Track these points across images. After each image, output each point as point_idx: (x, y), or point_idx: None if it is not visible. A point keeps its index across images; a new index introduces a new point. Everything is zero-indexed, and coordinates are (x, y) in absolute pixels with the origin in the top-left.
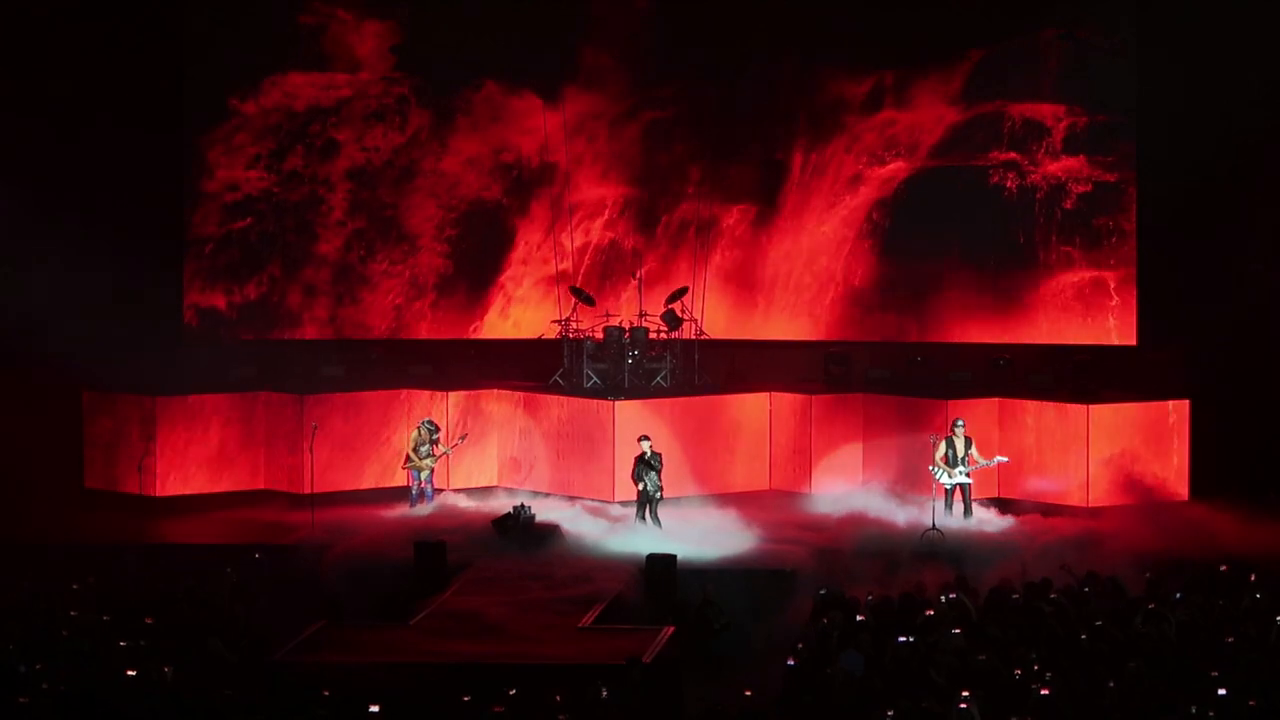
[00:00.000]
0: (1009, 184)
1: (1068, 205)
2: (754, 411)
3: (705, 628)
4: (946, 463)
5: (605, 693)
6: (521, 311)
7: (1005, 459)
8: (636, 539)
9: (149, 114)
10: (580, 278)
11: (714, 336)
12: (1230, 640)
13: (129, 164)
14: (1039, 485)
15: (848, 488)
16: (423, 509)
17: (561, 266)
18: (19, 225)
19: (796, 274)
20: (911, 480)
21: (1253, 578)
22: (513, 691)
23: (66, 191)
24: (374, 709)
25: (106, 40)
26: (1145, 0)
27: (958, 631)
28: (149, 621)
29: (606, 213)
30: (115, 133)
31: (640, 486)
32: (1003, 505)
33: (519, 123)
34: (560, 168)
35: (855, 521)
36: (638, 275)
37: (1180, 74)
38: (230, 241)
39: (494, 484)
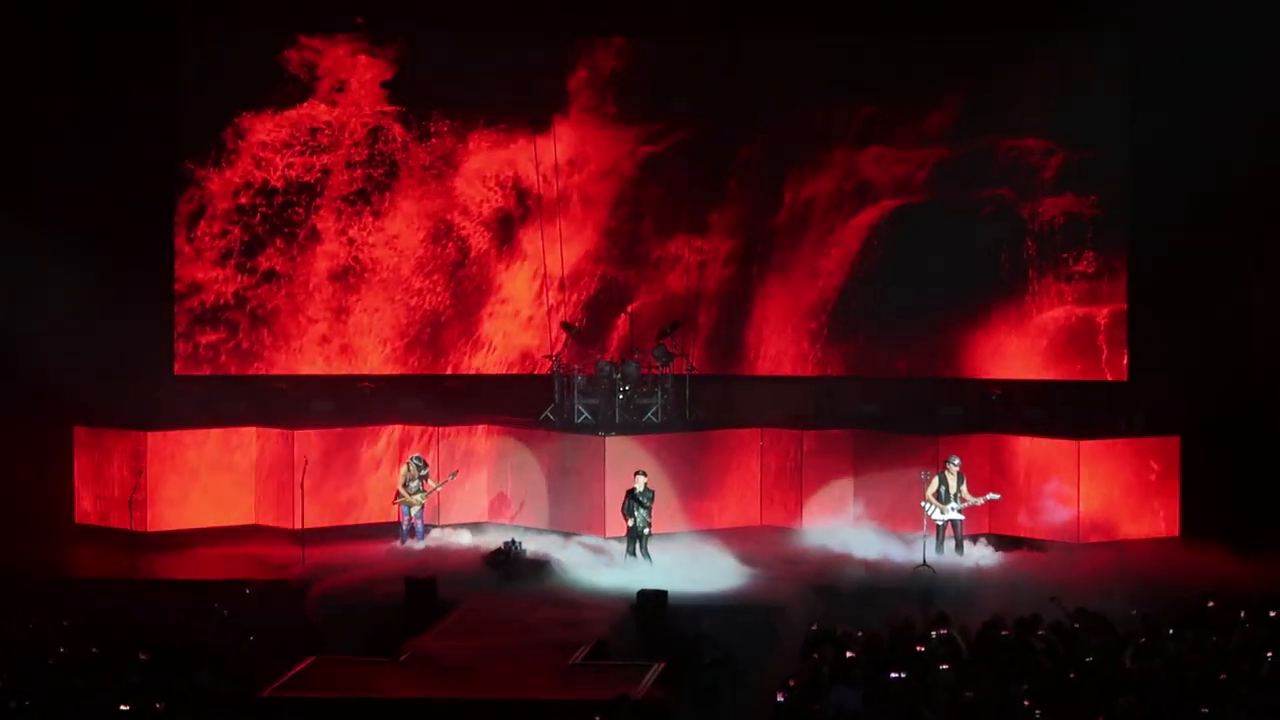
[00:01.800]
0: (999, 219)
1: (1058, 241)
2: (745, 447)
3: (697, 663)
4: (938, 498)
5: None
6: (508, 345)
7: (997, 496)
8: (628, 575)
9: (132, 152)
10: (570, 313)
11: (705, 371)
12: (1221, 676)
13: (116, 194)
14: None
15: (838, 523)
16: (413, 544)
17: (551, 302)
18: (7, 258)
19: (787, 309)
20: (902, 516)
21: (1242, 614)
22: None
23: (57, 224)
24: None
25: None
26: (1136, 37)
27: (946, 668)
28: (143, 657)
29: (597, 248)
30: (101, 157)
31: (630, 522)
32: (995, 541)
33: (511, 155)
34: (550, 199)
35: (845, 557)
36: (629, 311)
37: (1171, 110)
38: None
39: (484, 520)
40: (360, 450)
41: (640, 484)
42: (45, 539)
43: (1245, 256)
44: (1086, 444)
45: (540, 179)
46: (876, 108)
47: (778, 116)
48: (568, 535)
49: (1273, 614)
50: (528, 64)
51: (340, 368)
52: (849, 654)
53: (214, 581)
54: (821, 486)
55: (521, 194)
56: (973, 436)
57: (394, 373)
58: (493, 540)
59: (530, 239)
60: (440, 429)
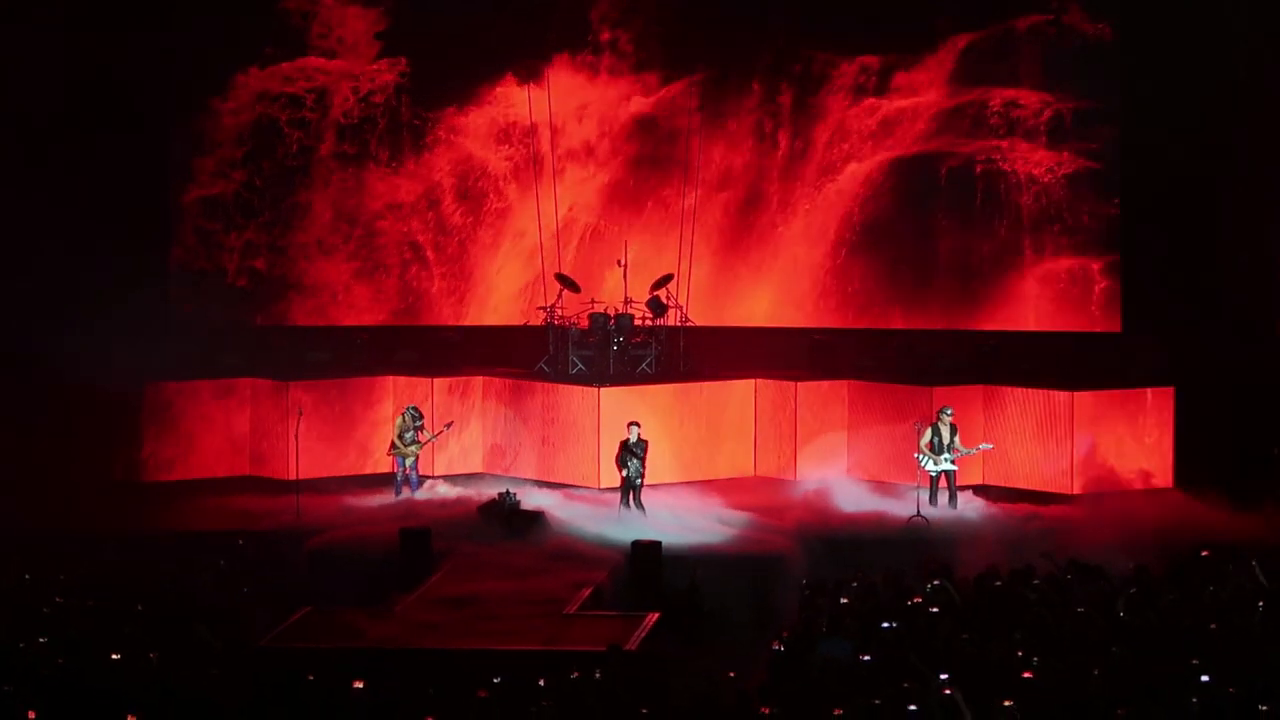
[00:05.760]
0: (994, 171)
1: (1052, 192)
2: (739, 398)
3: (691, 613)
4: (932, 449)
5: (599, 673)
6: (503, 296)
7: (990, 445)
8: (622, 525)
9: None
10: (565, 264)
11: (699, 323)
12: (1213, 626)
13: (112, 154)
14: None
15: (832, 474)
16: (408, 495)
17: (546, 253)
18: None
19: (781, 261)
20: (896, 467)
21: (1231, 567)
22: (497, 680)
23: (48, 182)
24: (358, 684)
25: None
26: None
27: (936, 611)
28: (139, 608)
29: (592, 199)
30: (99, 116)
31: (624, 472)
32: (987, 492)
33: (505, 106)
34: (545, 150)
35: (840, 508)
36: (623, 262)
37: (1164, 61)
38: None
39: (479, 470)
40: (355, 401)
41: (634, 435)
42: (42, 492)
43: (1239, 207)
44: (1080, 395)
45: (534, 129)
46: (873, 58)
47: (775, 66)
48: (562, 486)
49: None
50: (523, 12)
51: (335, 318)
52: (843, 601)
53: (209, 533)
54: (815, 438)
55: (516, 145)
56: (966, 387)
57: (389, 324)
58: (487, 491)
59: (524, 189)
60: (435, 380)
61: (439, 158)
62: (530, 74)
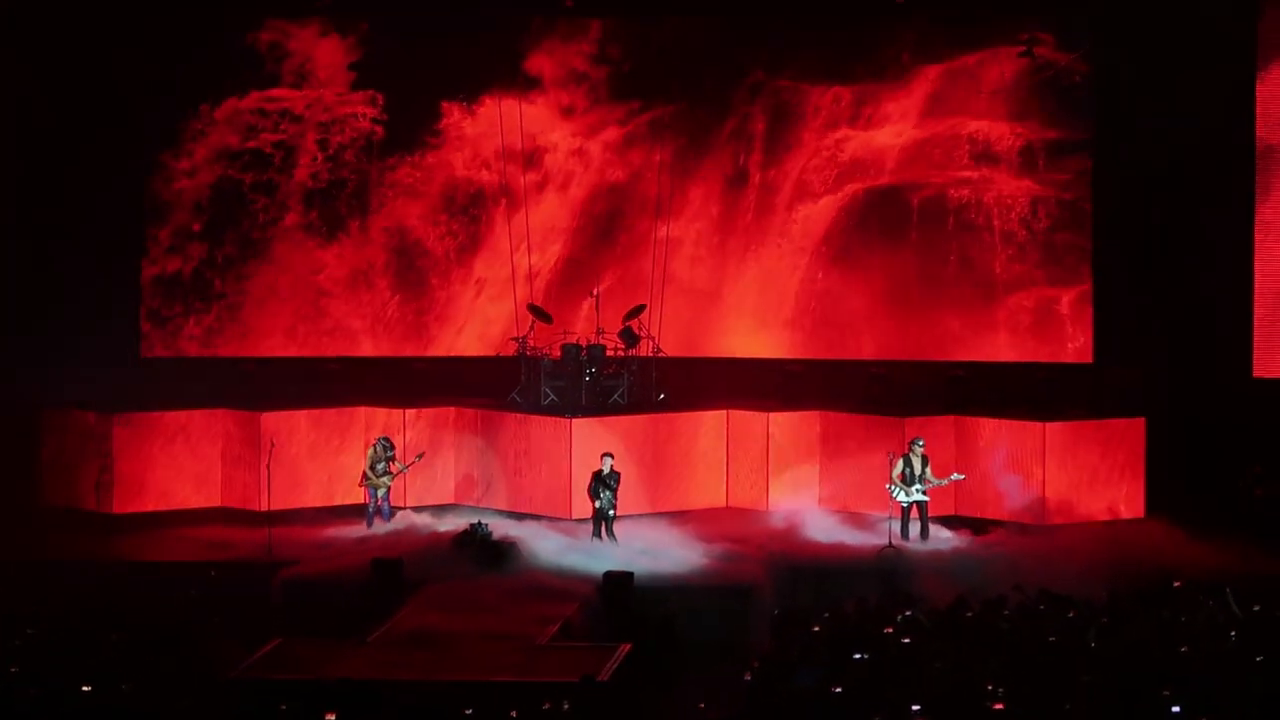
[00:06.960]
0: (965, 202)
1: (1024, 223)
2: (711, 429)
3: (663, 644)
4: (903, 480)
5: (567, 706)
6: (474, 327)
7: (961, 476)
8: (594, 556)
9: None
10: (537, 295)
11: (671, 354)
12: (1184, 656)
13: (81, 175)
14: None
15: (805, 505)
16: (380, 526)
17: (518, 284)
18: None
19: (754, 291)
20: (868, 498)
21: (1203, 597)
22: (469, 711)
23: (18, 204)
24: (330, 716)
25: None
26: (1104, 18)
27: (908, 642)
28: (111, 639)
29: (564, 230)
30: (68, 135)
31: (596, 503)
32: (958, 523)
33: (478, 136)
34: (517, 180)
35: (812, 539)
36: (595, 292)
37: (1138, 92)
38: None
39: (451, 501)
40: (327, 432)
41: (606, 466)
42: (11, 522)
43: (1210, 239)
44: (1051, 426)
45: (507, 160)
46: (844, 89)
47: (746, 97)
48: (534, 517)
49: (1228, 590)
50: (495, 43)
51: (307, 349)
52: (814, 629)
53: (181, 563)
54: (787, 468)
55: (488, 175)
56: (938, 419)
57: (361, 354)
58: (459, 522)
59: (497, 220)
60: (407, 410)
61: (409, 186)
62: (503, 104)
